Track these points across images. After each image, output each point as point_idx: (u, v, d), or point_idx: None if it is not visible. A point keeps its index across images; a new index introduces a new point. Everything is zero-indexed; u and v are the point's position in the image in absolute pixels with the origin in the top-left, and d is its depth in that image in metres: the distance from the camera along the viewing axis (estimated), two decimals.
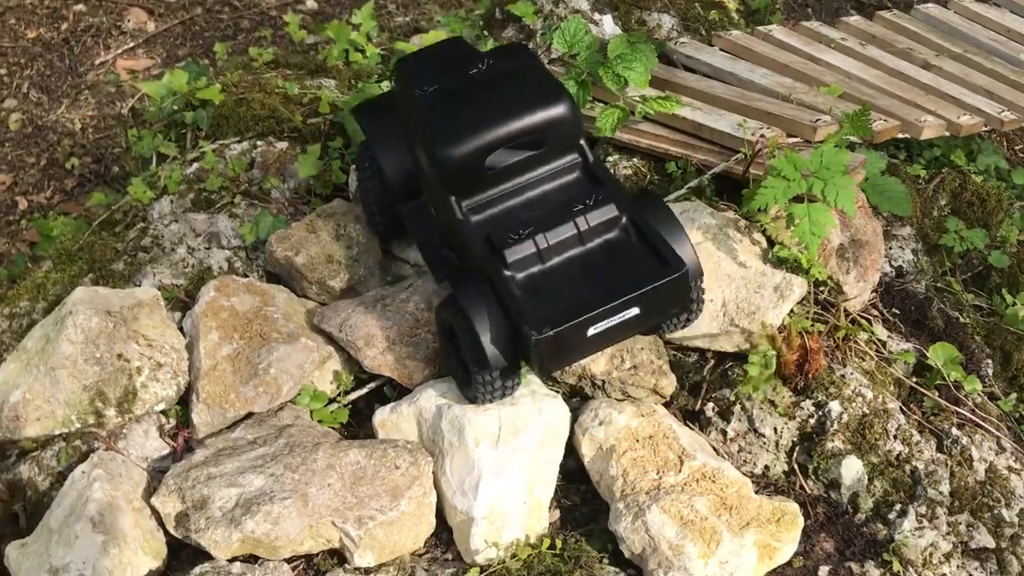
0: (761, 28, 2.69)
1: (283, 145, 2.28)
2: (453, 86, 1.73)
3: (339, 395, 1.91)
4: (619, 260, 1.61)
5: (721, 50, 2.58)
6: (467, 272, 1.70)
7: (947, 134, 2.35)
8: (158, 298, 1.91)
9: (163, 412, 1.83)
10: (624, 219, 1.64)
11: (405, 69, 1.82)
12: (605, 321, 1.54)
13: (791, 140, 2.12)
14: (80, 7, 3.75)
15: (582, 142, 1.72)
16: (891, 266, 2.28)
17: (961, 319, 2.13)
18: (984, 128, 2.41)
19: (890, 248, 2.30)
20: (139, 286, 1.99)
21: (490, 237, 1.62)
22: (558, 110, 1.66)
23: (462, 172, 1.63)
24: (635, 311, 1.56)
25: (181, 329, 1.92)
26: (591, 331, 1.54)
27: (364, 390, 1.92)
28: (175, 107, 2.35)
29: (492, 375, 1.64)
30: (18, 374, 1.75)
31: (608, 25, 2.61)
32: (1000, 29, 2.87)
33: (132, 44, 3.62)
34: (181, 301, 2.00)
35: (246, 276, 2.05)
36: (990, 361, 2.10)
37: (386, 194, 1.89)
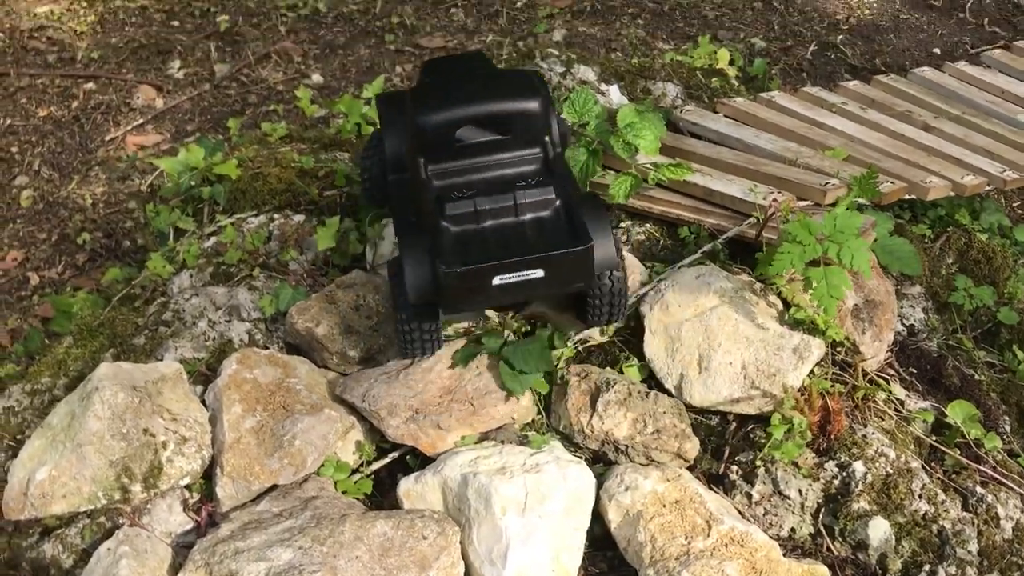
0: (763, 94, 2.76)
1: (300, 218, 2.31)
2: (450, 78, 2.01)
3: (362, 465, 1.91)
4: (541, 232, 1.79)
5: (726, 116, 2.64)
6: (411, 224, 1.92)
7: (952, 194, 2.39)
8: (181, 372, 1.92)
9: (187, 486, 1.82)
10: (559, 203, 1.81)
11: (426, 69, 2.09)
12: (510, 274, 1.72)
13: (801, 204, 2.16)
14: (90, 85, 3.82)
15: (547, 139, 1.89)
16: (903, 325, 2.30)
17: (976, 376, 2.15)
18: (987, 188, 2.46)
19: (901, 307, 2.32)
20: (161, 360, 2.00)
21: (439, 195, 1.82)
22: (526, 104, 1.86)
23: (432, 137, 1.84)
24: (539, 272, 1.73)
25: (203, 402, 1.92)
26: (496, 279, 1.72)
27: (387, 459, 1.92)
28: (192, 182, 2.39)
29: (410, 315, 1.82)
30: (44, 451, 1.75)
31: (615, 95, 2.67)
32: (995, 90, 2.94)
33: (141, 120, 3.68)
34: (203, 374, 2.01)
35: (267, 348, 2.06)
36: (1007, 418, 2.11)
37: (382, 167, 2.08)
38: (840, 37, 4.04)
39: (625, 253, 2.17)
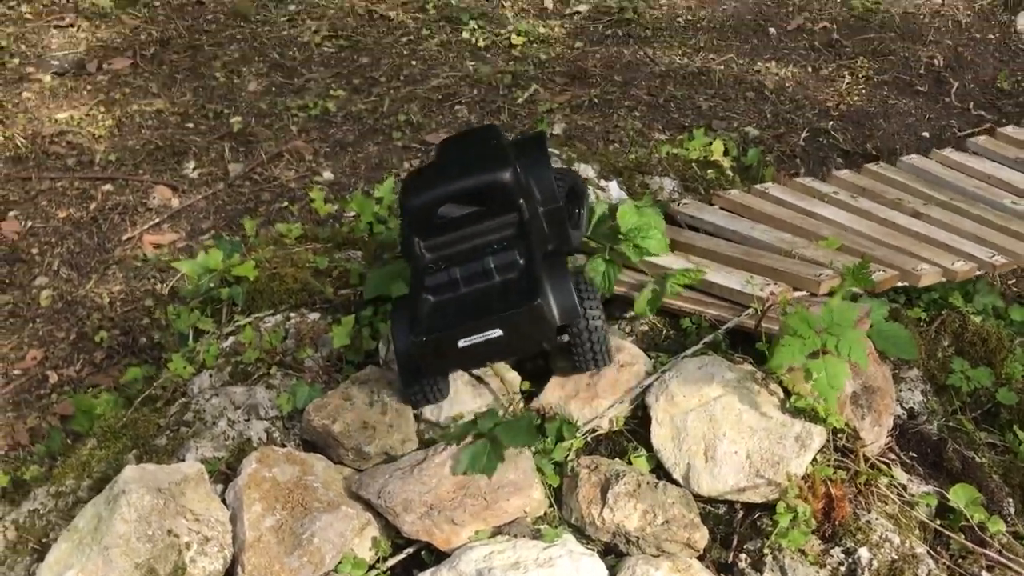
0: (757, 186, 2.86)
1: (315, 316, 2.39)
2: (444, 158, 2.19)
3: (378, 561, 1.95)
4: (504, 293, 1.95)
5: (721, 208, 2.74)
6: (403, 299, 2.10)
7: (944, 280, 2.48)
8: (202, 472, 1.98)
9: None
10: (522, 263, 1.98)
11: (438, 147, 2.31)
12: (473, 336, 1.89)
13: (798, 294, 2.25)
14: (108, 187, 3.95)
15: (521, 202, 2.04)
16: (903, 408, 2.36)
17: (977, 459, 2.19)
18: (978, 272, 2.54)
19: (900, 390, 2.38)
20: (183, 460, 2.06)
21: (424, 267, 2.02)
22: (494, 177, 2.03)
23: (418, 217, 2.04)
24: (497, 332, 1.89)
25: (224, 501, 1.98)
26: (462, 343, 1.90)
27: (402, 555, 1.96)
28: (211, 284, 2.48)
29: (406, 374, 2.05)
30: (70, 554, 1.80)
31: (614, 190, 2.78)
32: (981, 176, 3.05)
33: (157, 220, 3.80)
34: (223, 473, 2.07)
35: (284, 446, 2.13)
36: (1010, 500, 2.15)
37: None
38: (831, 123, 4.18)
39: (628, 344, 2.25)
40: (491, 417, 2.01)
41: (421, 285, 1.99)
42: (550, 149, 2.40)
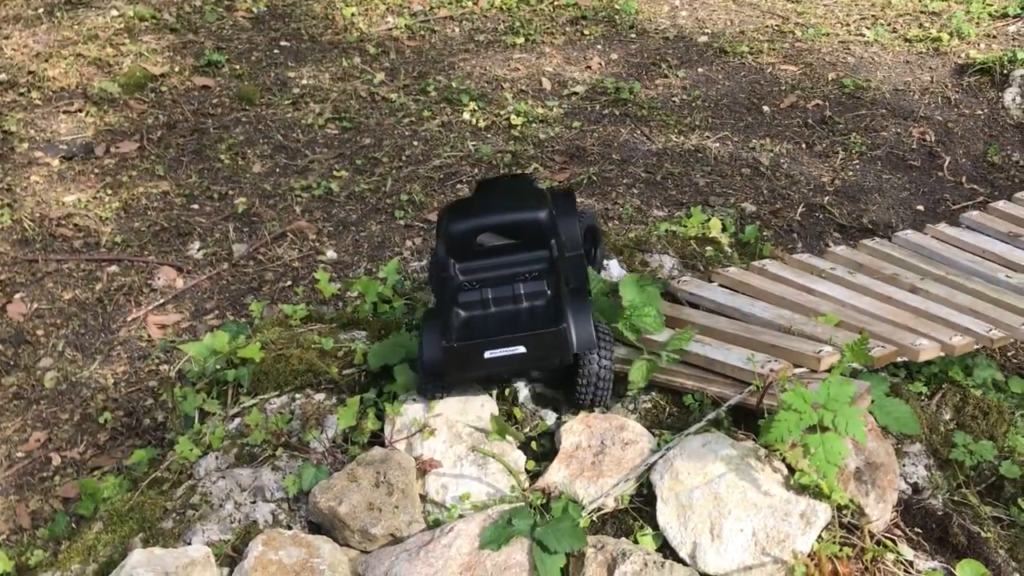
0: (756, 263, 2.91)
1: (320, 396, 2.42)
2: (485, 194, 2.46)
3: None
4: (531, 317, 2.20)
5: (721, 286, 2.78)
6: (433, 312, 2.33)
7: (942, 355, 2.50)
8: (209, 555, 1.98)
9: None
10: (549, 293, 2.22)
11: (477, 185, 2.56)
12: (497, 350, 2.13)
13: (798, 370, 2.27)
14: (113, 268, 4.00)
15: (552, 241, 2.27)
16: (907, 483, 2.37)
17: (983, 533, 2.20)
18: (975, 347, 2.57)
19: (903, 465, 2.39)
20: (189, 543, 2.06)
21: (458, 286, 2.24)
22: (532, 216, 2.27)
23: (457, 243, 2.26)
24: (520, 348, 2.12)
25: None
26: (487, 353, 2.13)
27: None
28: (217, 366, 2.51)
29: (426, 375, 2.29)
30: None
31: (615, 268, 2.83)
32: (975, 251, 3.10)
33: (162, 300, 3.84)
34: (228, 556, 2.06)
35: (290, 527, 2.13)
36: (1017, 575, 2.15)
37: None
38: (827, 198, 4.25)
39: (632, 422, 2.27)
40: (524, 517, 2.01)
41: (454, 301, 2.22)
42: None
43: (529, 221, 2.26)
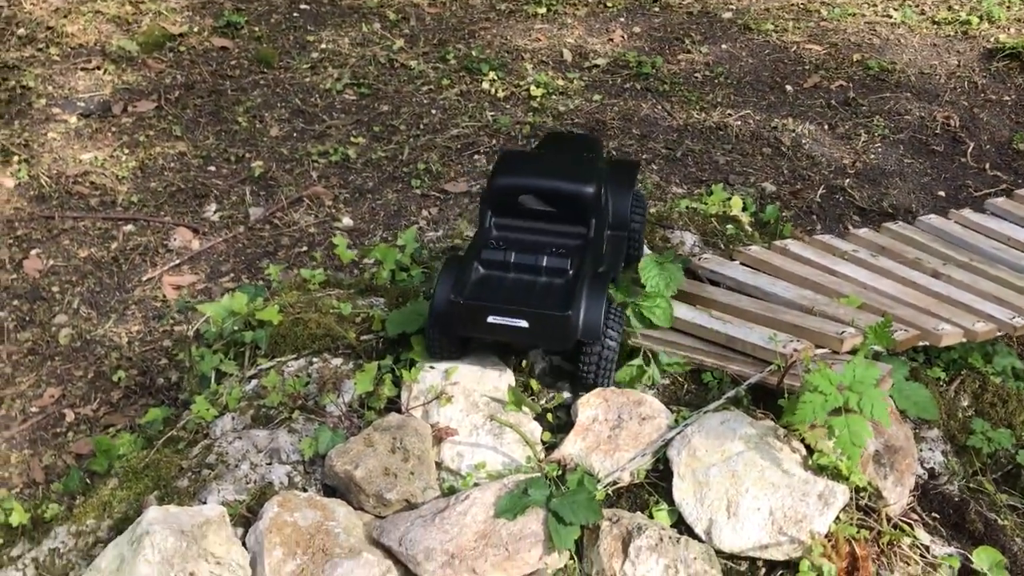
0: (778, 242, 2.89)
1: (338, 361, 2.41)
2: (545, 152, 2.49)
3: None
4: (545, 293, 2.15)
5: (742, 264, 2.76)
6: (455, 259, 2.26)
7: (964, 340, 2.48)
8: (224, 515, 1.98)
9: None
10: (570, 273, 2.18)
11: (544, 138, 2.60)
12: (501, 317, 2.09)
13: (819, 351, 2.26)
14: (129, 228, 3.99)
15: (592, 221, 2.23)
16: (923, 468, 2.36)
17: (1000, 521, 2.18)
18: (997, 334, 2.55)
19: (920, 450, 2.38)
20: (204, 503, 2.06)
21: (485, 241, 2.24)
22: (576, 188, 2.23)
23: (498, 196, 2.26)
24: (524, 323, 2.09)
25: (244, 544, 1.97)
26: (491, 319, 2.10)
27: None
28: (235, 327, 2.50)
29: (434, 330, 2.23)
30: None
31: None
32: (1001, 237, 3.07)
33: (178, 261, 3.83)
34: (243, 517, 2.06)
35: (305, 490, 2.13)
36: None
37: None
38: (848, 181, 4.21)
39: (649, 398, 2.25)
40: (539, 487, 2.00)
41: (477, 255, 2.20)
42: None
43: (573, 195, 2.22)
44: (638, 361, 2.29)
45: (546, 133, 2.57)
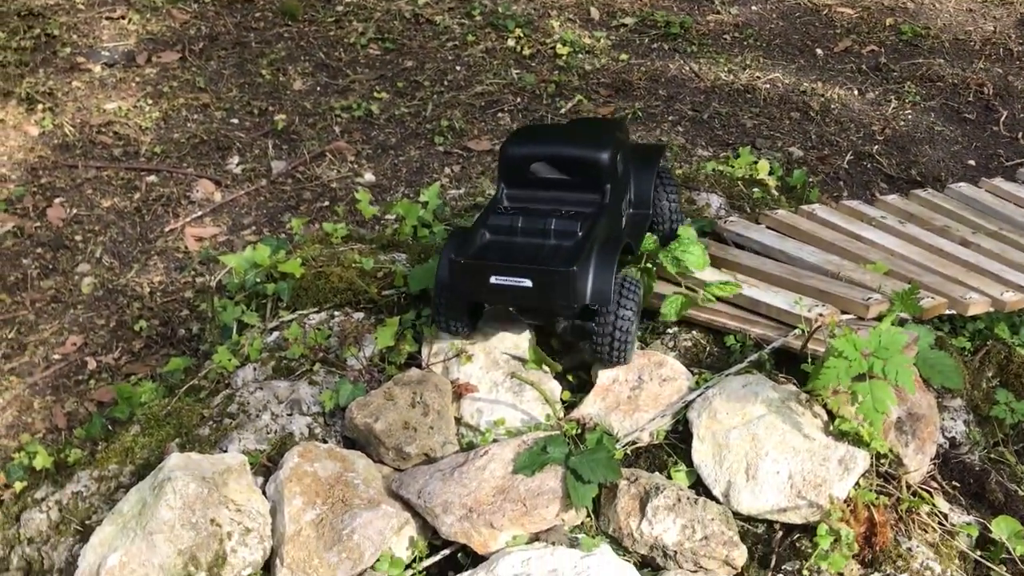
0: (805, 207, 2.85)
1: (360, 316, 2.41)
2: (559, 128, 2.48)
3: (414, 561, 1.95)
4: (552, 254, 2.07)
5: (768, 228, 2.73)
6: (462, 230, 2.20)
7: (992, 310, 2.45)
8: (245, 464, 1.99)
9: None
10: (580, 235, 2.08)
11: (571, 120, 2.57)
12: (504, 277, 2.00)
13: (845, 317, 2.23)
14: (152, 178, 4.00)
15: (607, 186, 2.15)
16: (945, 437, 2.34)
17: (1020, 491, 2.17)
18: None
19: (942, 419, 2.36)
20: (225, 451, 2.08)
21: (494, 208, 2.18)
22: (589, 154, 2.16)
23: (510, 165, 2.20)
24: (528, 282, 1.99)
25: (264, 493, 1.99)
26: (494, 279, 2.01)
27: (439, 556, 1.97)
28: (257, 279, 2.50)
29: (441, 292, 2.16)
30: (115, 537, 1.82)
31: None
32: None
33: (200, 213, 3.83)
34: (263, 466, 2.08)
35: (326, 442, 2.14)
36: None
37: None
38: (876, 147, 4.16)
39: (671, 359, 2.24)
40: (558, 445, 1.99)
41: (484, 221, 2.14)
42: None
43: (586, 159, 2.15)
44: (680, 292, 2.27)
45: (573, 119, 2.55)
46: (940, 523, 2.03)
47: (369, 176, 3.98)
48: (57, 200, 3.86)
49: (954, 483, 2.16)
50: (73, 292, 3.54)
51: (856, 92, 4.51)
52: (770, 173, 3.26)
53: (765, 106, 4.37)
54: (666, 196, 2.49)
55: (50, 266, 3.60)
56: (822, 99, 4.43)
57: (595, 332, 2.11)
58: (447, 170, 4.01)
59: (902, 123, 4.32)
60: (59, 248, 3.68)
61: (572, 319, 2.15)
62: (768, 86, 4.51)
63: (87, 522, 2.01)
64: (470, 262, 2.03)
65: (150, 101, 4.37)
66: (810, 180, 3.79)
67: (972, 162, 4.11)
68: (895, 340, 1.93)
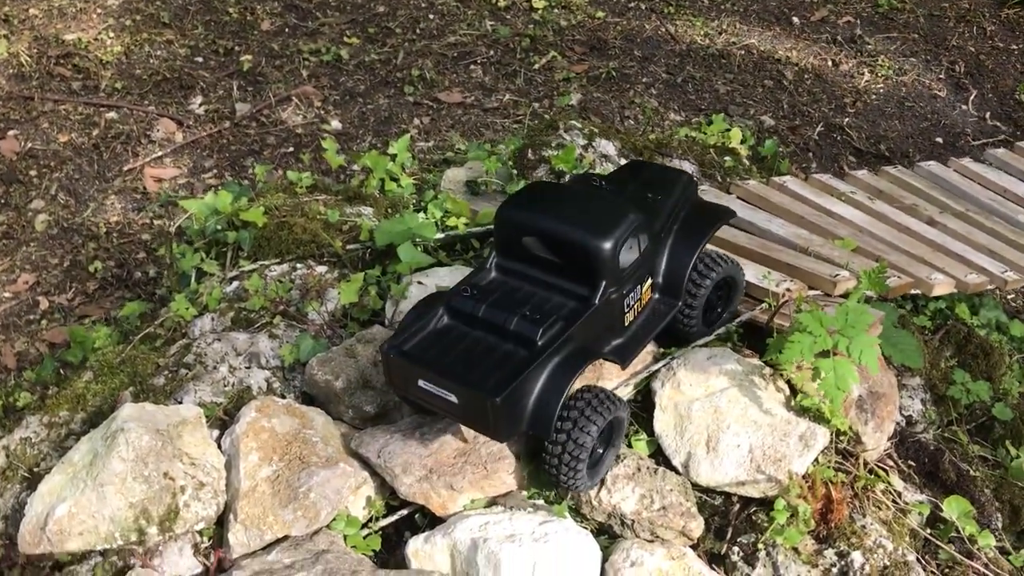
0: (776, 179, 2.84)
1: (323, 269, 2.36)
2: (586, 187, 2.04)
3: (371, 521, 1.94)
4: (493, 365, 1.73)
5: (739, 198, 2.72)
6: (438, 295, 1.92)
7: (955, 291, 2.47)
8: (201, 416, 1.95)
9: (200, 531, 1.85)
10: (538, 347, 1.73)
11: (626, 166, 2.20)
12: (431, 385, 1.73)
13: (811, 292, 2.23)
14: (112, 115, 3.88)
15: (602, 283, 1.80)
16: (902, 415, 2.36)
17: (971, 472, 2.20)
18: (989, 287, 2.54)
19: (900, 397, 2.38)
20: (180, 403, 2.03)
21: (462, 286, 1.86)
22: (579, 238, 1.80)
23: (502, 232, 1.89)
24: (453, 397, 1.71)
25: (219, 447, 1.95)
26: (420, 383, 1.75)
27: (396, 516, 1.95)
28: (218, 226, 2.43)
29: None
30: (63, 487, 1.78)
31: None
32: (997, 189, 3.04)
33: (160, 153, 3.73)
34: (220, 419, 2.04)
35: (284, 397, 2.10)
36: (999, 515, 2.17)
37: None
38: (847, 120, 4.16)
39: None
40: None
41: (448, 298, 1.84)
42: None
43: (579, 247, 1.78)
44: None
45: (630, 161, 2.04)
46: (894, 501, 2.06)
47: (336, 123, 3.90)
48: (11, 132, 3.74)
49: (910, 462, 2.19)
50: (26, 229, 3.44)
51: (830, 63, 4.50)
52: (742, 142, 3.24)
53: (739, 72, 4.35)
54: (704, 284, 2.01)
55: (2, 200, 3.49)
56: (796, 68, 4.41)
57: (544, 451, 1.79)
58: (416, 121, 3.94)
59: (873, 97, 4.32)
60: (12, 183, 3.56)
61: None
62: (743, 52, 4.48)
63: (35, 469, 1.96)
64: (399, 360, 1.75)
65: (112, 34, 4.23)
66: (780, 151, 3.78)
67: (940, 140, 4.13)
68: (862, 319, 1.93)
